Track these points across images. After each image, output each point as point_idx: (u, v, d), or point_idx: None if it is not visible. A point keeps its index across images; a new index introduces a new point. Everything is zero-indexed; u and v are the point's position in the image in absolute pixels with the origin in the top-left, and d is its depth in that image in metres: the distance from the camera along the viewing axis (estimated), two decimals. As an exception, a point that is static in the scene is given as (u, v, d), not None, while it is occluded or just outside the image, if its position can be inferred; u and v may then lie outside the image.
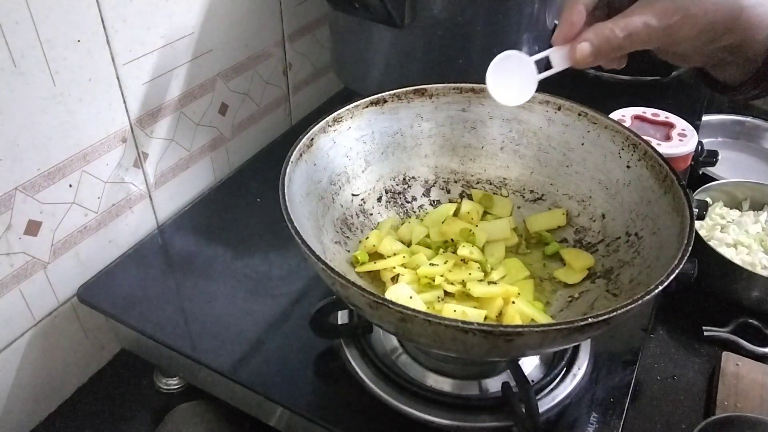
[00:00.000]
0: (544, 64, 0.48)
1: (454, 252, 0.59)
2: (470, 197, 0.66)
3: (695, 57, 0.46)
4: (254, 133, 0.89)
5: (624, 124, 0.64)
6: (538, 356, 0.59)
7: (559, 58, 0.47)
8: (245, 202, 0.79)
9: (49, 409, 0.67)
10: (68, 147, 0.61)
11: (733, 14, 0.41)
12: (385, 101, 0.63)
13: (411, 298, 0.53)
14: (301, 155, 0.55)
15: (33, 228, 0.60)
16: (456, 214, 0.64)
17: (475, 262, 0.58)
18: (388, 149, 0.64)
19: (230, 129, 0.84)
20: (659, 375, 0.70)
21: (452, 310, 0.52)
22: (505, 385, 0.54)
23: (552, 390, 0.56)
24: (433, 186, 0.67)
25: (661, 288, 0.43)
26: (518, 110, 0.64)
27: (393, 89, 0.63)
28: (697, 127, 0.80)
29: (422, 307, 0.53)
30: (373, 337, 0.59)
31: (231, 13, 0.77)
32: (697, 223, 0.81)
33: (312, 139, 0.57)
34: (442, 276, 0.56)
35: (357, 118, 0.61)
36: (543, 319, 0.54)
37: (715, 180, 0.89)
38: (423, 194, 0.66)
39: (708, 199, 0.84)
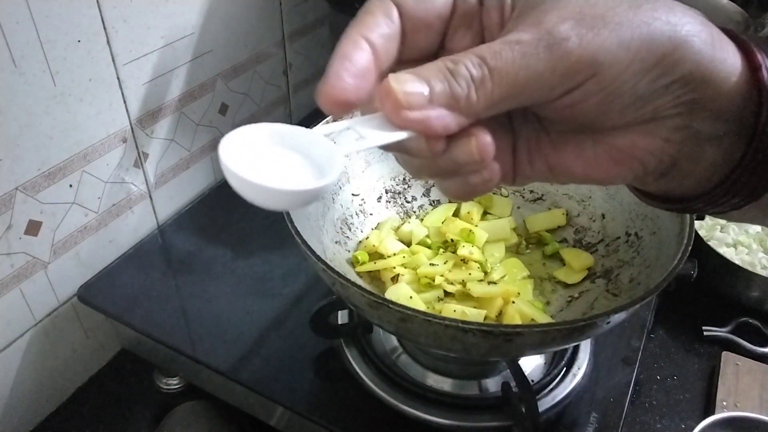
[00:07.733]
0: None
1: (454, 252, 0.59)
2: (470, 197, 0.66)
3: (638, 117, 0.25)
4: (254, 133, 0.89)
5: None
6: (538, 356, 0.59)
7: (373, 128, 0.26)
8: (245, 202, 0.78)
9: (49, 409, 0.67)
10: (68, 147, 0.61)
11: (672, 40, 0.24)
12: (385, 101, 0.62)
13: (411, 298, 0.53)
14: (301, 155, 0.55)
15: (33, 228, 0.60)
16: (456, 214, 0.64)
17: (475, 262, 0.58)
18: (388, 149, 0.64)
19: (230, 129, 0.83)
20: (659, 375, 0.70)
21: (452, 310, 0.52)
22: (505, 385, 0.54)
23: (552, 390, 0.56)
24: (433, 186, 0.67)
25: (660, 288, 0.43)
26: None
27: (393, 89, 0.63)
28: (696, 127, 0.80)
29: (422, 307, 0.53)
30: (373, 337, 0.59)
31: (231, 14, 0.77)
32: (697, 223, 0.81)
33: (312, 139, 0.57)
34: (442, 276, 0.56)
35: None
36: (543, 319, 0.54)
37: (715, 180, 0.89)
38: (423, 194, 0.66)
39: (708, 199, 0.84)
